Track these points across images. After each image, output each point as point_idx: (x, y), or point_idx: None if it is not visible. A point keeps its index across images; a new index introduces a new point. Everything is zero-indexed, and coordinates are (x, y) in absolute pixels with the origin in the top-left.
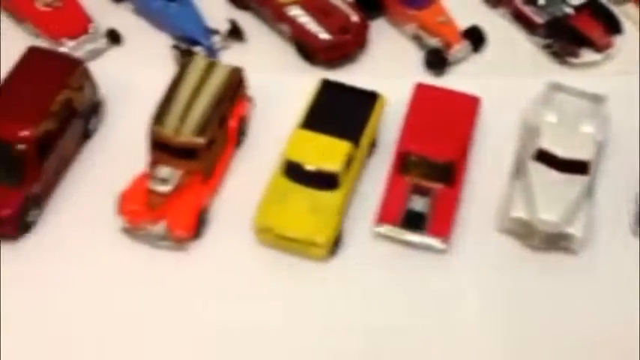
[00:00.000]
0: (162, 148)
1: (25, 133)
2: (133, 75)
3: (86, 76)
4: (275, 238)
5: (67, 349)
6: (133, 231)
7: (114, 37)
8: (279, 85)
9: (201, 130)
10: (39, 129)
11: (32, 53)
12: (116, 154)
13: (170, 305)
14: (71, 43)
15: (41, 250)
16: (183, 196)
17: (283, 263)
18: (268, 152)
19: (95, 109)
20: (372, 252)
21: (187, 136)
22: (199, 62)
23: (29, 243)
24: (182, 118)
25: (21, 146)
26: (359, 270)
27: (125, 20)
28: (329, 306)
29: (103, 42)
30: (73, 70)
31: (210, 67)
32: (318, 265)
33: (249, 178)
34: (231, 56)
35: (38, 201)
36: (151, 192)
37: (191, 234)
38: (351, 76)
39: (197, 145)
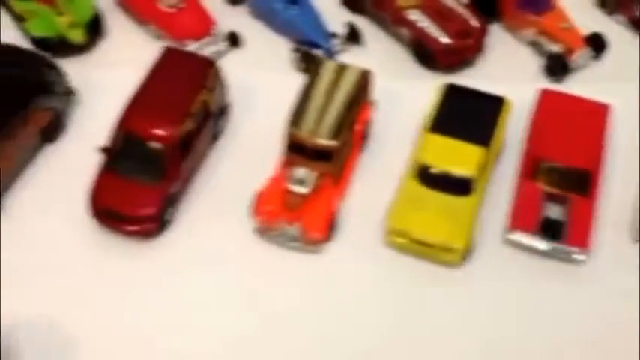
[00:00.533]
0: (297, 150)
1: (168, 132)
2: (253, 77)
3: (219, 77)
4: (408, 242)
5: (199, 345)
6: (266, 231)
7: (234, 40)
8: (395, 89)
9: (335, 133)
10: (181, 129)
11: (168, 53)
12: (241, 155)
13: (301, 305)
14: (194, 45)
15: (176, 248)
16: (317, 198)
17: (412, 267)
18: (390, 156)
19: (224, 110)
20: (502, 259)
21: (323, 138)
22: (330, 65)
23: (165, 241)
24: (317, 121)
25: (164, 146)
26: (489, 277)
27: (242, 22)
28: (457, 312)
29: (224, 44)
30: (209, 70)
31: (342, 70)
32: (449, 270)
33: (373, 181)
34: (347, 60)
35: (175, 200)
36: (289, 193)
37: (325, 236)
38: (468, 80)
39: (332, 148)
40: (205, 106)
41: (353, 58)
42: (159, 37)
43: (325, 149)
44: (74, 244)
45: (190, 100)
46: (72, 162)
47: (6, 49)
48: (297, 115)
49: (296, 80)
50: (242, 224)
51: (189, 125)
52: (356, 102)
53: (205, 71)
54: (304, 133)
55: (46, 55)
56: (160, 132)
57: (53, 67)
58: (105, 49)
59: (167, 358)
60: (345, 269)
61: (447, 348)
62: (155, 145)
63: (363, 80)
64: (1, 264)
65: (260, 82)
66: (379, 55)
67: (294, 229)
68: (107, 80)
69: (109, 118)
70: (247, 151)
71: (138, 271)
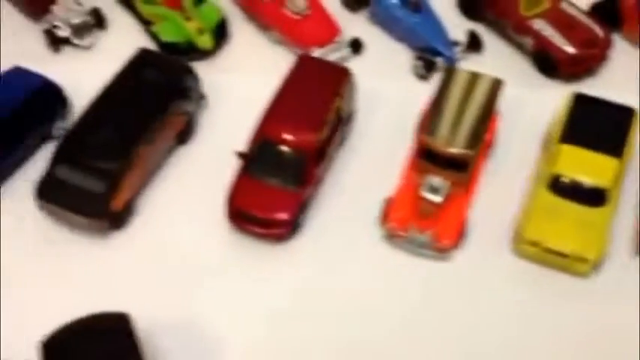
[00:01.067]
0: (431, 158)
1: (307, 139)
2: (374, 83)
3: (352, 84)
4: (540, 252)
5: (328, 347)
6: (396, 238)
7: (357, 47)
8: (515, 97)
9: (471, 143)
10: (318, 136)
11: (304, 60)
12: (365, 161)
13: (427, 311)
14: (318, 52)
15: (306, 252)
16: (449, 206)
17: (539, 275)
18: (513, 164)
19: (351, 116)
20: (632, 271)
21: (459, 147)
22: (462, 74)
23: (296, 244)
24: (452, 130)
25: (303, 152)
26: (617, 289)
27: (361, 29)
28: (583, 321)
29: (347, 51)
30: (344, 78)
31: (474, 78)
32: (576, 280)
33: (497, 189)
34: (466, 67)
35: (307, 205)
36: (422, 200)
37: (456, 244)
38: (588, 89)
39: (467, 157)
40: (338, 113)
41: (472, 65)
42: (282, 43)
43: (461, 158)
44: (207, 244)
45: (326, 107)
46: (202, 163)
47: (148, 55)
48: (431, 123)
49: (416, 87)
50: (369, 230)
51: (325, 132)
52: (488, 111)
53: (340, 79)
54: (439, 141)
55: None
56: (300, 139)
57: (191, 73)
58: (229, 53)
59: (298, 356)
60: (473, 276)
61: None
62: (295, 151)
63: (495, 89)
64: (135, 264)
65: (381, 88)
66: (498, 63)
67: (425, 237)
68: (231, 84)
69: (234, 120)
70: (371, 157)
71: (269, 272)
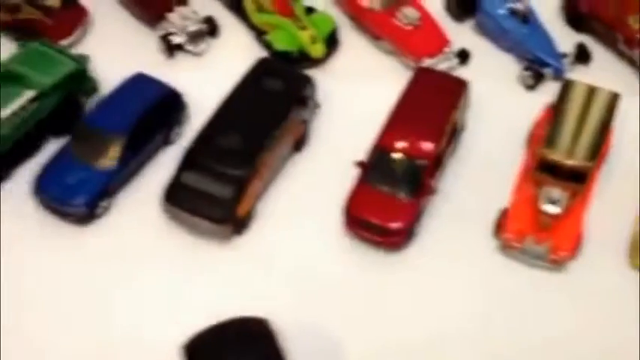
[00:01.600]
0: (549, 170)
1: (426, 150)
2: (481, 93)
3: (468, 97)
4: None
5: (437, 353)
6: (511, 249)
7: (464, 57)
8: (625, 110)
9: (591, 155)
10: (437, 147)
11: (422, 73)
12: (474, 171)
13: (538, 321)
14: (428, 62)
15: (420, 260)
16: (567, 218)
17: None
18: (623, 178)
19: (462, 128)
20: None
21: (579, 160)
22: (580, 87)
23: (410, 252)
24: (572, 143)
25: (424, 162)
26: None
27: (467, 39)
28: None
29: (454, 61)
30: (461, 91)
31: (592, 92)
32: None
33: (610, 201)
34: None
35: (422, 213)
36: (540, 212)
37: (573, 255)
38: None
39: (588, 169)
40: (454, 124)
41: (579, 77)
42: (392, 53)
43: (581, 170)
44: (323, 249)
45: (445, 119)
46: (315, 170)
47: (269, 64)
48: (550, 136)
49: (524, 97)
50: (483, 240)
51: (443, 143)
52: (606, 124)
53: (458, 91)
54: (560, 153)
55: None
56: (419, 150)
57: (310, 82)
58: (339, 61)
59: None
60: (587, 288)
61: None
62: (413, 161)
63: (613, 103)
64: (253, 269)
65: (488, 98)
66: (605, 75)
67: (541, 248)
68: (341, 92)
69: (345, 128)
70: (481, 167)
71: (385, 279)
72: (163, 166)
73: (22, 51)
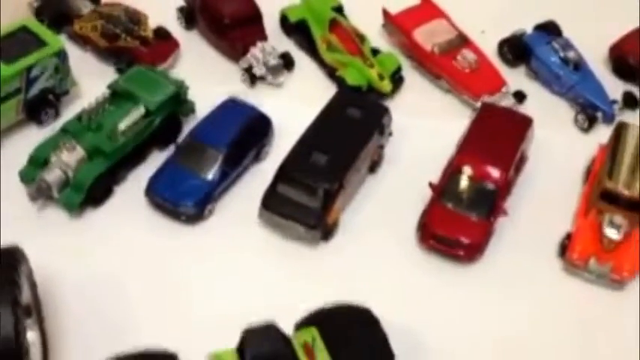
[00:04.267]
0: (610, 200)
1: (499, 174)
2: (538, 132)
3: (532, 131)
4: None
5: None
6: (576, 269)
7: (520, 97)
8: None
9: None
10: (508, 173)
11: (488, 108)
12: (538, 199)
13: (599, 338)
14: (488, 99)
15: (489, 277)
16: (627, 242)
17: None
18: None
19: (526, 160)
20: None
21: (637, 190)
22: (633, 128)
23: (481, 269)
24: (630, 176)
25: (495, 186)
26: None
27: (519, 83)
28: None
29: (512, 101)
30: (527, 125)
31: None
32: None
33: None
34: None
35: (493, 234)
36: (604, 237)
37: (634, 276)
38: None
39: None
40: (522, 155)
41: (628, 120)
42: (451, 91)
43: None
44: (399, 260)
45: (514, 148)
46: (389, 190)
47: (348, 95)
48: (611, 170)
49: (579, 138)
50: (548, 260)
51: (512, 171)
52: None
53: (524, 125)
54: (620, 185)
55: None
56: (492, 174)
57: (387, 112)
58: (403, 97)
59: None
60: None
61: None
62: (488, 185)
63: None
64: (337, 274)
65: (545, 136)
66: None
67: (604, 269)
68: (408, 124)
69: (413, 155)
70: (543, 196)
71: (458, 293)
72: (256, 179)
73: (129, 73)
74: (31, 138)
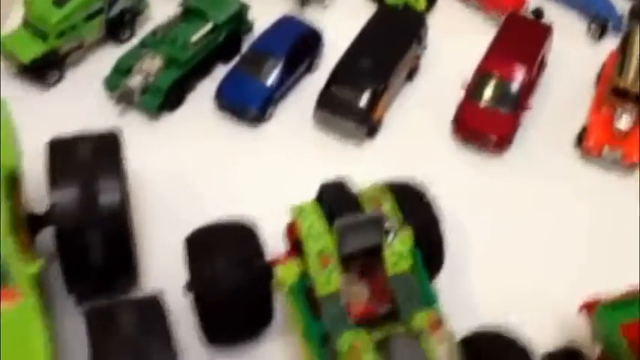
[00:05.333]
0: (622, 95)
1: (523, 73)
2: (555, 43)
3: (552, 38)
4: None
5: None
6: (591, 156)
7: (539, 14)
8: None
9: None
10: (531, 72)
11: (512, 18)
12: (556, 99)
13: (614, 221)
14: None
15: (518, 165)
16: (636, 131)
17: None
18: None
19: (545, 65)
20: None
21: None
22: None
23: (508, 159)
24: (638, 74)
25: (519, 83)
26: None
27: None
28: None
29: (531, 18)
30: (547, 32)
31: None
32: None
33: None
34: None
35: (518, 127)
36: (616, 127)
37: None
38: None
39: None
40: (542, 59)
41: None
42: (479, 9)
43: None
44: (435, 154)
45: (536, 53)
46: (425, 93)
47: (392, 9)
48: (620, 69)
49: (590, 46)
50: (566, 151)
51: (534, 71)
52: None
53: (545, 33)
54: (629, 82)
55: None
56: (517, 73)
57: (425, 24)
58: (436, 15)
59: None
60: None
61: None
62: (513, 83)
63: None
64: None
65: (562, 47)
66: None
67: (616, 155)
68: (439, 40)
69: (446, 64)
70: (560, 96)
71: (492, 181)
72: (308, 88)
73: None
74: (109, 54)
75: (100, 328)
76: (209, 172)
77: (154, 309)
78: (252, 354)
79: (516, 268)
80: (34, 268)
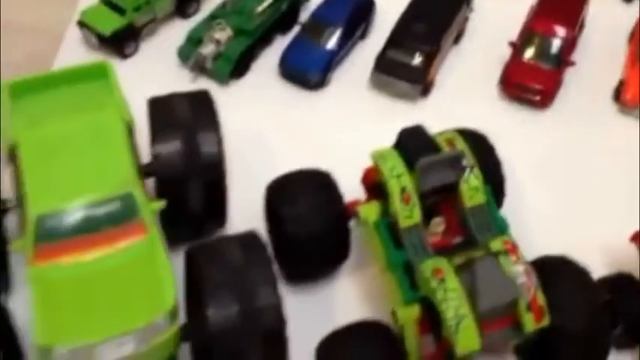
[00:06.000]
0: None
1: (567, 32)
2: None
3: (589, 2)
4: None
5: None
6: (628, 108)
7: None
8: None
9: None
10: (574, 30)
11: None
12: (593, 56)
13: None
14: None
15: (559, 119)
16: None
17: None
18: None
19: (584, 25)
20: None
21: None
22: None
23: (550, 114)
24: None
25: (563, 41)
26: None
27: None
28: None
29: None
30: None
31: None
32: None
33: None
34: None
35: (561, 82)
36: None
37: None
38: None
39: None
40: (583, 19)
41: None
42: None
43: None
44: (485, 110)
45: (578, 12)
46: (472, 54)
47: None
48: None
49: (623, 7)
50: (605, 104)
51: (577, 29)
52: None
53: None
54: None
55: None
56: (561, 31)
57: None
58: None
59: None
60: None
61: None
62: (556, 40)
63: None
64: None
65: (595, 8)
66: None
67: None
68: (484, 4)
69: (491, 28)
70: (597, 53)
71: (531, 133)
72: (362, 53)
73: None
74: (178, 27)
75: (206, 261)
76: (276, 133)
77: (254, 241)
78: (327, 290)
79: (566, 211)
80: (158, 205)
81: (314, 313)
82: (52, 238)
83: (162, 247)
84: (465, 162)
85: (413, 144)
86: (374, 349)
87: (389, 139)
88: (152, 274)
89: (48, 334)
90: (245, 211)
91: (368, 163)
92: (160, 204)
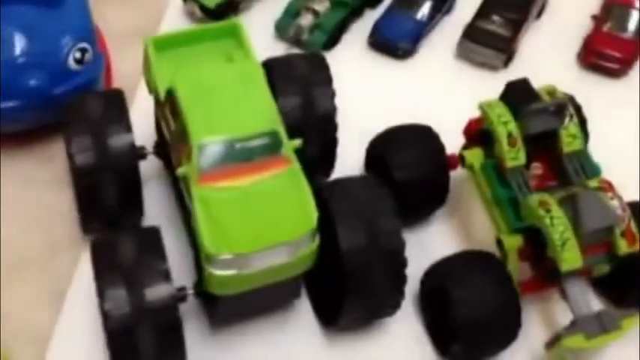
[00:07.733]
0: None
1: None
2: None
3: None
4: None
5: None
6: None
7: None
8: None
9: None
10: None
11: None
12: None
13: None
14: None
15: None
16: None
17: None
18: None
19: None
20: None
21: None
22: None
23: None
24: None
25: None
26: None
27: None
28: None
29: None
30: None
31: None
32: None
33: None
34: None
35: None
36: None
37: None
38: None
39: None
40: None
41: None
42: None
43: None
44: (564, 77)
45: None
46: (552, 27)
47: None
48: None
49: None
50: None
51: None
52: None
53: None
54: None
55: None
56: None
57: None
58: None
59: None
60: None
61: None
62: (636, 12)
63: None
64: None
65: None
66: None
67: None
68: None
69: (569, 6)
70: None
71: (611, 104)
72: (447, 27)
73: None
74: (271, 2)
75: (337, 196)
76: (368, 99)
77: (375, 182)
78: (425, 233)
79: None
80: (295, 143)
81: (416, 247)
82: (212, 164)
83: (304, 177)
84: (568, 110)
85: (518, 94)
86: (483, 273)
87: (472, 105)
88: (297, 199)
89: (214, 243)
90: (345, 162)
91: (452, 125)
92: (297, 143)
